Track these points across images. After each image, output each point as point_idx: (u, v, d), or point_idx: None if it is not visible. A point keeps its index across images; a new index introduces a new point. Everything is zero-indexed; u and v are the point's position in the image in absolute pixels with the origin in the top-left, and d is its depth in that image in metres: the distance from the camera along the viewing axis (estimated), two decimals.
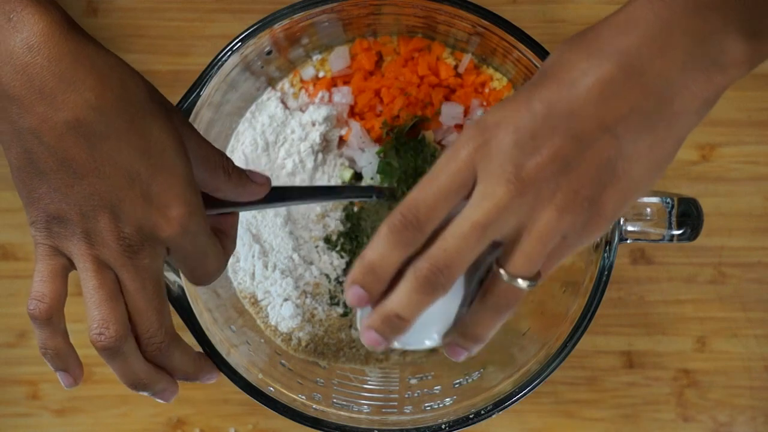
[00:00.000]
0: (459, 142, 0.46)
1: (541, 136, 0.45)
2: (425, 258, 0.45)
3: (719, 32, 0.45)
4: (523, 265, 0.46)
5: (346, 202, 0.71)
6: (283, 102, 0.72)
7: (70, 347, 0.53)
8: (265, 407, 0.63)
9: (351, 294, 0.46)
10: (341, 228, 0.71)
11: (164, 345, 0.53)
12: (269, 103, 0.71)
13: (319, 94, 0.72)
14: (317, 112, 0.70)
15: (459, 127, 0.71)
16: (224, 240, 0.58)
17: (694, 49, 0.45)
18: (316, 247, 0.71)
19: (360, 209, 0.71)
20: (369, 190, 0.66)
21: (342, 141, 0.72)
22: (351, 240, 0.71)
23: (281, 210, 0.70)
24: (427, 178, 0.46)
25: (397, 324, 0.46)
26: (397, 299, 0.46)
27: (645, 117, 0.45)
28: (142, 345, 0.52)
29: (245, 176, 0.57)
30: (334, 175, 0.71)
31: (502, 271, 0.46)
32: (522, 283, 0.47)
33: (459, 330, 0.49)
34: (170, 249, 0.52)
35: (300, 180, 0.71)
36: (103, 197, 0.49)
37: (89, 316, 0.51)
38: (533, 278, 0.47)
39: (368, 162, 0.70)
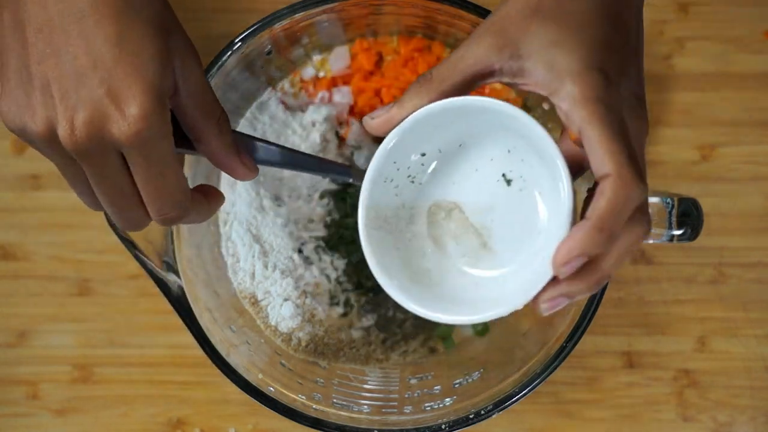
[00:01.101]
0: None
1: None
2: None
3: None
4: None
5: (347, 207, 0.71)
6: (283, 102, 0.72)
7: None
8: (265, 407, 0.63)
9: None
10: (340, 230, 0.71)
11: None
12: (269, 103, 0.71)
13: (319, 94, 0.72)
14: (317, 112, 0.70)
15: None
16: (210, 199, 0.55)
17: None
18: (317, 247, 0.71)
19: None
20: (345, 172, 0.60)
21: (342, 141, 0.72)
22: (347, 243, 0.71)
23: (281, 210, 0.70)
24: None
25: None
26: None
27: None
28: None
29: (236, 147, 0.53)
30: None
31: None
32: None
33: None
34: (126, 158, 0.48)
35: (301, 180, 0.71)
36: (63, 80, 0.46)
37: None
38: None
39: (367, 161, 0.70)
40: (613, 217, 0.46)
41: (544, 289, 0.48)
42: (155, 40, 0.47)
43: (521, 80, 0.49)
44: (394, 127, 0.51)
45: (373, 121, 0.51)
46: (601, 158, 0.46)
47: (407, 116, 0.51)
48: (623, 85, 0.48)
